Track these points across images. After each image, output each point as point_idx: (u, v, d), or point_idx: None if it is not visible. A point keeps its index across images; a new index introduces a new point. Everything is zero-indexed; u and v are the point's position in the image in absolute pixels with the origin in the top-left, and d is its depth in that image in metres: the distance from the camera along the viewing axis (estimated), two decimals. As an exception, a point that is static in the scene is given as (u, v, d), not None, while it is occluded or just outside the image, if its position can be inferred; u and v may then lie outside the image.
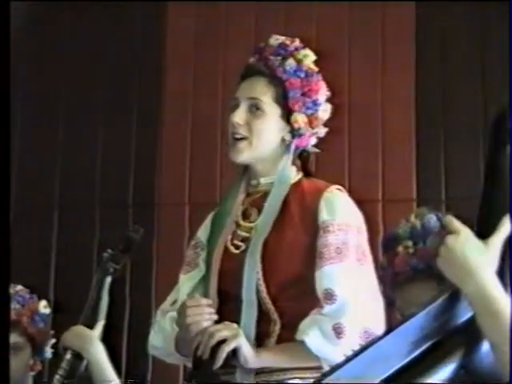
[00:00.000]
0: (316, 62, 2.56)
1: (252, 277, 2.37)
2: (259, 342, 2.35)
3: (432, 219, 2.09)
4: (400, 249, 2.08)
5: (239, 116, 2.47)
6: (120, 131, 3.92)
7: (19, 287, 3.01)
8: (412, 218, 2.12)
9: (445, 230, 2.04)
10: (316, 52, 3.48)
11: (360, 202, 2.53)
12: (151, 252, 3.72)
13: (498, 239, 1.58)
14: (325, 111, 2.55)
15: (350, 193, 2.54)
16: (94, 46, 4.02)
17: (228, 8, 3.84)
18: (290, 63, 2.50)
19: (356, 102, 3.71)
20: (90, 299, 2.81)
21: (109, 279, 2.80)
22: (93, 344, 2.74)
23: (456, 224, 1.62)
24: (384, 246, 2.19)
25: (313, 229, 2.39)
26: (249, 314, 2.36)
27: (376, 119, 3.69)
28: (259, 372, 2.34)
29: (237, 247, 2.45)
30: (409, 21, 3.71)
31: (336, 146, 3.61)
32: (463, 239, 1.60)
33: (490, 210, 1.61)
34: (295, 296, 2.39)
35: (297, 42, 2.56)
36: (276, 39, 2.54)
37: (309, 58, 2.54)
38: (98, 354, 2.75)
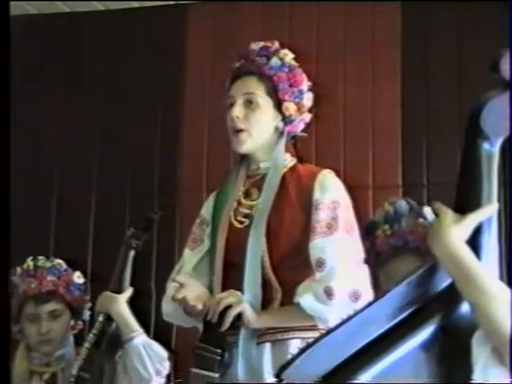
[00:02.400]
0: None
1: (257, 248, 2.36)
2: (263, 306, 2.35)
3: (402, 204, 2.10)
4: (379, 232, 2.09)
5: (237, 110, 2.45)
6: (146, 128, 3.91)
7: (56, 261, 3.02)
8: (385, 206, 2.12)
9: (414, 212, 2.06)
10: (316, 56, 3.50)
11: (353, 188, 2.53)
12: (174, 230, 3.73)
13: (475, 217, 1.57)
14: (308, 99, 2.55)
15: (345, 180, 2.53)
16: (122, 50, 4.01)
17: (241, 15, 3.83)
18: (275, 61, 2.50)
19: (350, 100, 3.69)
20: (116, 270, 2.84)
21: (132, 253, 2.83)
22: (118, 304, 2.77)
23: (441, 207, 1.63)
24: (365, 233, 2.19)
25: (308, 207, 2.39)
26: (253, 282, 2.36)
27: (367, 115, 3.68)
28: (265, 332, 2.34)
29: (240, 222, 2.44)
30: (395, 29, 3.69)
31: (332, 139, 3.61)
32: (442, 215, 1.60)
33: (465, 193, 1.61)
34: (294, 266, 2.38)
35: (276, 44, 2.56)
36: (257, 44, 2.54)
37: (288, 55, 2.54)
38: (122, 313, 2.77)
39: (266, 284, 2.38)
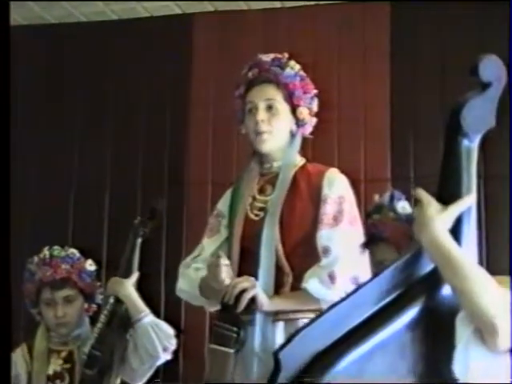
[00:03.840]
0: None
1: (271, 237, 2.39)
2: (276, 290, 2.38)
3: (387, 196, 2.10)
4: (369, 221, 2.08)
5: (262, 115, 2.48)
6: (156, 128, 3.91)
7: (70, 250, 3.02)
8: (376, 197, 2.13)
9: (389, 205, 2.07)
10: (312, 63, 3.49)
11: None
12: (182, 219, 3.74)
13: (456, 208, 1.57)
14: (316, 105, 2.58)
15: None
16: (134, 57, 4.00)
17: (244, 24, 3.83)
18: (289, 71, 2.53)
19: (343, 102, 3.69)
20: (124, 256, 2.85)
21: (139, 240, 2.84)
22: (125, 288, 2.78)
23: (422, 193, 1.63)
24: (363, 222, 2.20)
25: (317, 201, 2.43)
26: (267, 267, 2.38)
27: (359, 115, 3.67)
28: (279, 313, 2.36)
29: (256, 215, 2.47)
30: (384, 38, 3.68)
31: (328, 137, 3.61)
32: (425, 203, 1.60)
33: (447, 185, 1.61)
34: (305, 254, 2.41)
35: (286, 56, 2.58)
36: (267, 56, 2.56)
37: (297, 66, 2.56)
38: (130, 295, 2.78)
39: (278, 270, 2.41)
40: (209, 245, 2.55)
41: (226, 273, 2.32)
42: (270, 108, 2.48)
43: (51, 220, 3.86)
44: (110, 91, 3.96)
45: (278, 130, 2.49)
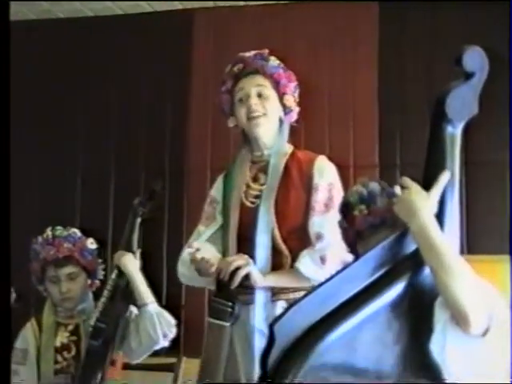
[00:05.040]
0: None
1: (266, 221, 2.40)
2: (275, 270, 2.40)
3: (374, 185, 2.06)
4: (356, 212, 2.03)
5: (254, 100, 2.49)
6: (158, 118, 3.89)
7: (72, 230, 3.01)
8: (358, 187, 2.07)
9: (386, 192, 2.04)
10: (306, 53, 3.48)
11: (337, 167, 2.55)
12: (182, 205, 3.73)
13: (436, 191, 1.58)
14: (298, 94, 2.58)
15: (330, 160, 2.55)
16: (137, 49, 3.97)
17: (242, 19, 3.81)
18: (272, 63, 2.55)
19: (334, 91, 3.67)
20: (125, 234, 2.86)
21: (139, 219, 2.84)
22: (129, 261, 2.77)
23: (408, 181, 1.63)
24: (341, 212, 2.17)
25: (308, 188, 2.44)
26: (263, 250, 2.40)
27: (348, 103, 3.65)
28: (279, 291, 2.39)
29: (252, 203, 2.47)
30: (373, 29, 3.66)
31: (318, 125, 3.61)
32: (413, 191, 1.61)
33: (431, 170, 1.61)
34: (300, 237, 2.43)
35: (266, 51, 2.59)
36: (249, 52, 2.58)
37: (277, 60, 2.57)
38: (133, 271, 2.77)
39: (277, 253, 2.42)
40: (204, 232, 2.56)
41: (205, 252, 2.35)
42: (260, 95, 2.49)
43: (60, 203, 3.86)
44: (113, 82, 3.94)
45: (271, 112, 2.49)
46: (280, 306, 2.38)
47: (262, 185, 2.49)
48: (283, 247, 2.42)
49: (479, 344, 1.49)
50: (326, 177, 2.45)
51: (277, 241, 2.42)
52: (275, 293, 2.40)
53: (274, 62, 2.55)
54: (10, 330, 1.52)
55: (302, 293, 2.32)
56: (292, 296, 2.38)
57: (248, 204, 2.48)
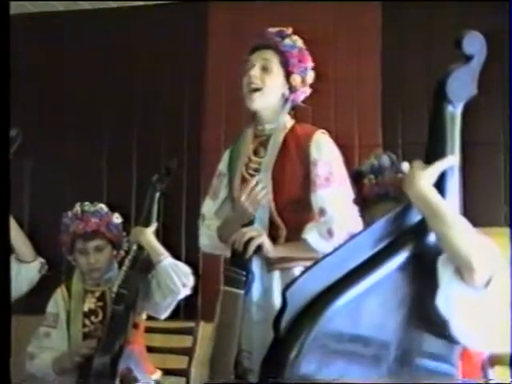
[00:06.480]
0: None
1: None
2: (272, 242, 2.36)
3: (385, 159, 2.07)
4: (365, 181, 2.05)
5: (255, 71, 2.43)
6: (177, 100, 3.88)
7: (99, 205, 3.03)
8: (371, 159, 2.09)
9: (394, 166, 2.04)
10: (314, 41, 3.45)
11: (342, 147, 2.51)
12: (199, 180, 3.72)
13: (439, 165, 1.57)
14: (310, 76, 2.52)
15: (336, 140, 2.50)
16: (154, 42, 3.95)
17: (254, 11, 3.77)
18: (288, 41, 2.47)
19: (339, 76, 3.66)
20: (144, 208, 2.88)
21: (157, 194, 2.86)
22: (145, 235, 2.80)
23: (416, 162, 1.62)
24: (352, 179, 2.17)
25: (306, 162, 2.38)
26: (262, 222, 2.38)
27: (353, 87, 3.64)
28: (275, 262, 2.36)
29: (251, 175, 2.43)
30: (376, 19, 3.64)
31: (326, 107, 3.59)
32: (415, 166, 1.60)
33: (433, 148, 1.60)
34: (295, 210, 2.39)
35: (290, 30, 2.52)
36: (273, 29, 2.51)
37: (299, 41, 2.50)
38: (150, 241, 2.79)
39: (273, 224, 2.39)
40: (212, 205, 2.55)
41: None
42: (264, 69, 2.42)
43: (88, 181, 3.88)
44: (134, 66, 3.94)
45: (269, 87, 2.42)
46: (276, 276, 2.35)
47: (261, 158, 2.44)
48: (278, 219, 2.38)
49: (482, 295, 1.48)
50: (325, 151, 2.38)
51: (272, 213, 2.38)
52: (270, 263, 2.37)
53: (290, 41, 2.46)
54: (10, 327, 1.54)
55: (295, 263, 2.34)
56: (286, 265, 2.35)
57: (248, 177, 2.43)
